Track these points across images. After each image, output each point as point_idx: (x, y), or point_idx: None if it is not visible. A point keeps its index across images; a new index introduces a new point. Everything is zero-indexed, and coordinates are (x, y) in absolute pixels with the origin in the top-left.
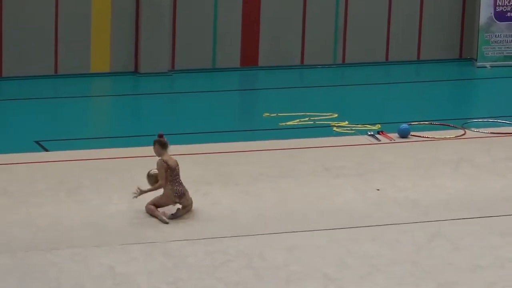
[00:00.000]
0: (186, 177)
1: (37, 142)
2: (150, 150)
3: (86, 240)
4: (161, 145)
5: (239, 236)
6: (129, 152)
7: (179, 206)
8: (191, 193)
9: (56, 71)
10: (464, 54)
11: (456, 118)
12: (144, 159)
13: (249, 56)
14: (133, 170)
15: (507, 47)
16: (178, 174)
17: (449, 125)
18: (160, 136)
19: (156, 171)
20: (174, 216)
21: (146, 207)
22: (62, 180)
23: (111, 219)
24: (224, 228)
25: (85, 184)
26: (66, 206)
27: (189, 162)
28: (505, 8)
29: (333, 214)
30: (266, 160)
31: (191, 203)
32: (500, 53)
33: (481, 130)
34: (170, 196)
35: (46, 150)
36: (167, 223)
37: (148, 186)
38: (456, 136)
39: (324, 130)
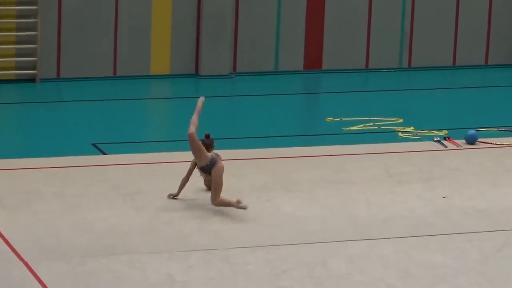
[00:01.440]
0: (246, 183)
1: (94, 145)
2: None
3: (144, 247)
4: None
5: (301, 244)
6: (189, 156)
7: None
8: (253, 199)
9: (115, 72)
10: None
11: None
12: None
13: (313, 59)
14: (193, 175)
15: None
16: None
17: None
18: (205, 135)
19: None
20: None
21: (216, 202)
22: (120, 185)
23: (169, 225)
24: (285, 235)
25: (143, 189)
26: (123, 212)
27: (250, 167)
28: None
29: (397, 222)
30: (329, 165)
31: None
32: None
33: None
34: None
35: (104, 153)
36: (245, 208)
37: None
38: None
39: (388, 136)
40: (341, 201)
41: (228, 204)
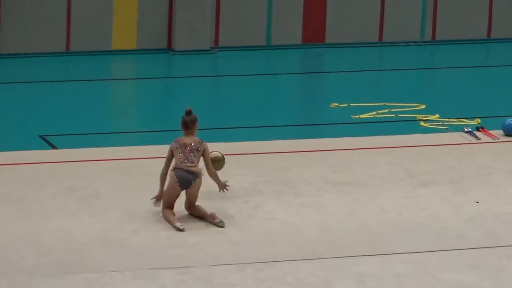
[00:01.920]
0: (232, 184)
1: (42, 137)
2: None
3: (105, 263)
4: (182, 123)
5: (299, 260)
6: (158, 150)
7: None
8: (238, 204)
9: (67, 47)
10: None
11: None
12: None
13: (314, 31)
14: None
15: None
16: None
17: None
18: (186, 112)
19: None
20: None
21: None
22: (74, 186)
23: (136, 236)
24: (280, 249)
25: (101, 191)
26: (79, 220)
27: (235, 165)
28: None
29: (417, 233)
30: (333, 163)
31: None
32: None
33: None
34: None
35: (54, 148)
36: (222, 225)
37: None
38: None
39: (408, 126)
40: (348, 207)
41: (202, 215)
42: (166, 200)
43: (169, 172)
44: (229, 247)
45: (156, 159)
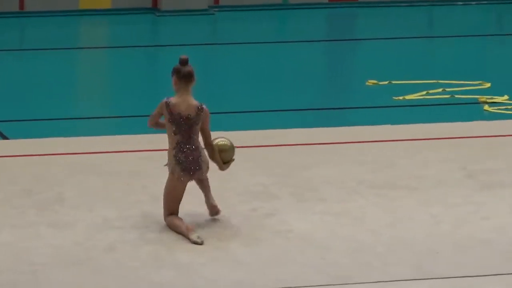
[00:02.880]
0: (235, 186)
1: None
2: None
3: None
4: (178, 75)
5: (323, 286)
6: (137, 142)
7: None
8: (244, 212)
9: (22, 6)
10: None
11: None
12: (162, 152)
13: None
14: (143, 171)
15: None
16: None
17: None
18: (181, 61)
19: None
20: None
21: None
22: (31, 188)
23: (110, 253)
24: (298, 272)
25: (66, 195)
26: (36, 231)
27: (241, 161)
28: None
29: (478, 251)
30: (370, 159)
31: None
32: None
33: None
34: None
35: (5, 138)
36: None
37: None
38: None
39: (467, 110)
40: (388, 217)
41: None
42: (170, 200)
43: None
44: (232, 268)
45: (134, 153)
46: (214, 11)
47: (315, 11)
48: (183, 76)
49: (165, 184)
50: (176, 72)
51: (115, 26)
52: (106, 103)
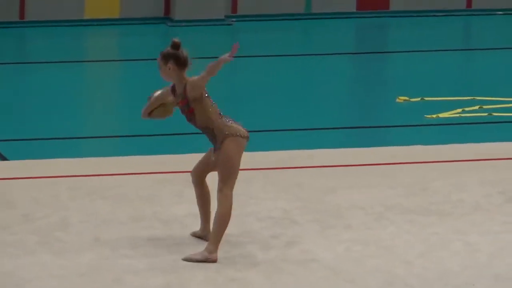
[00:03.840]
0: (253, 210)
1: None
2: (182, 159)
3: None
4: (177, 61)
5: None
6: (148, 163)
7: None
8: (264, 240)
9: (22, 15)
10: None
11: None
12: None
13: None
14: (154, 195)
15: None
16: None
17: None
18: (175, 45)
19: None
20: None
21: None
22: (32, 213)
23: (116, 285)
24: None
25: (70, 220)
26: (38, 260)
27: (261, 184)
28: None
29: None
30: (401, 182)
31: None
32: None
33: None
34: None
35: (5, 159)
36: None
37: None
38: None
39: (507, 129)
40: (419, 245)
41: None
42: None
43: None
44: None
45: (144, 175)
46: (232, 21)
47: (341, 20)
48: (184, 62)
49: (224, 157)
50: (175, 58)
51: (124, 37)
52: (114, 121)
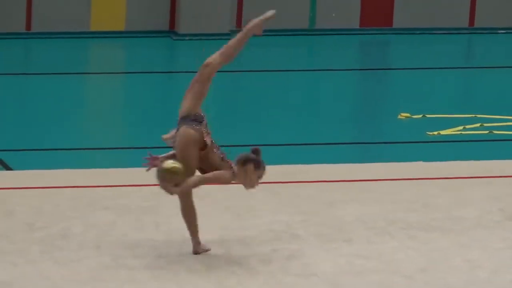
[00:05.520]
0: (255, 224)
1: None
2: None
3: None
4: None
5: None
6: (151, 175)
7: None
8: (264, 254)
9: (28, 27)
10: None
11: None
12: None
13: (377, 11)
14: (156, 206)
15: None
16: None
17: None
18: (258, 152)
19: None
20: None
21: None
22: (35, 222)
23: None
24: None
25: (71, 230)
26: (40, 269)
27: (263, 198)
28: None
29: None
30: (402, 197)
31: None
32: None
33: None
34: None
35: (9, 169)
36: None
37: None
38: None
39: (507, 147)
40: (422, 261)
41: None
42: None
43: None
44: None
45: (147, 187)
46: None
47: (344, 37)
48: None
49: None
50: (256, 165)
51: (129, 50)
52: (117, 133)
